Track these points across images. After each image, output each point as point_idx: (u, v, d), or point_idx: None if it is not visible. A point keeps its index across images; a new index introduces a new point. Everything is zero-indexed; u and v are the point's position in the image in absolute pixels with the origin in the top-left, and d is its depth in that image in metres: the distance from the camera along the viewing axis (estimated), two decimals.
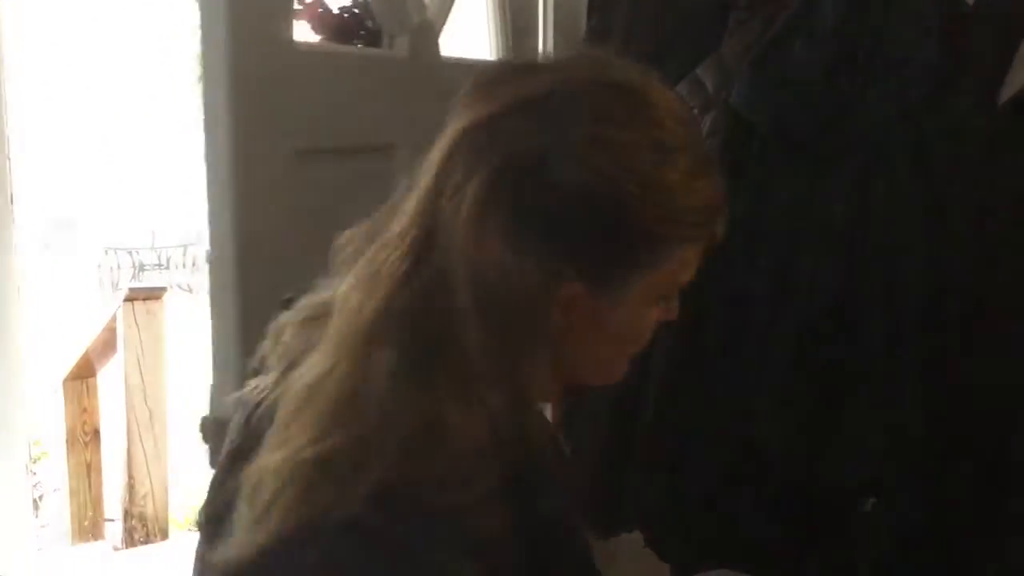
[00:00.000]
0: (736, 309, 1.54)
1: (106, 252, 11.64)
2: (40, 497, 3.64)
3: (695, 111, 1.61)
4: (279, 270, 1.30)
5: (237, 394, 0.93)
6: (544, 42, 2.26)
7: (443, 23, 1.81)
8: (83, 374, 3.69)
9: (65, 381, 3.64)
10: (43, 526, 3.50)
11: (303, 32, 1.66)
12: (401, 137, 1.53)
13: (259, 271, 1.39)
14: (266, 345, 0.91)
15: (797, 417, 1.46)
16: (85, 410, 3.64)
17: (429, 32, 1.72)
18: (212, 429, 1.32)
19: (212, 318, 1.42)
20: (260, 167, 1.38)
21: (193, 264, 11.42)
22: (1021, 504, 1.23)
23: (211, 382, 1.42)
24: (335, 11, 1.73)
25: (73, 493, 3.61)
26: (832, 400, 1.44)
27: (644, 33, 1.94)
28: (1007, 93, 1.29)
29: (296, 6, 1.60)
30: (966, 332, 1.32)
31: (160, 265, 11.95)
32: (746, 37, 1.61)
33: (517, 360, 0.79)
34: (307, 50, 1.50)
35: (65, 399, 3.62)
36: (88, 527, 3.66)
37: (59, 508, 3.67)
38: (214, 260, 1.42)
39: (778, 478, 1.48)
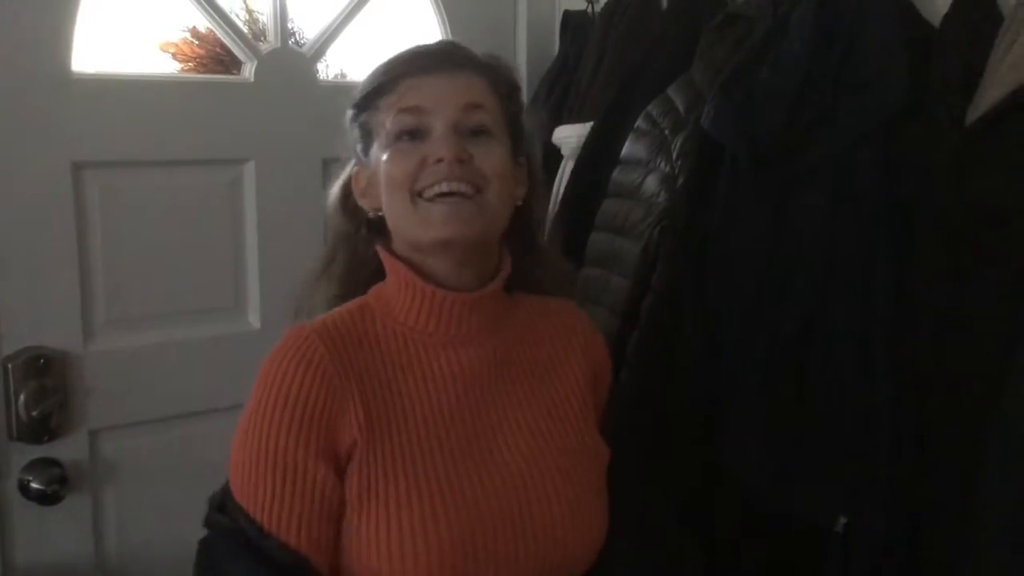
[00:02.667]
0: (708, 327, 1.54)
1: None
2: None
3: (665, 130, 1.62)
4: None
5: None
6: (517, 62, 2.27)
7: (320, 50, 2.00)
8: None
9: None
10: None
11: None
12: (241, 153, 1.86)
13: None
14: None
15: (768, 436, 1.46)
16: None
17: (285, 59, 1.91)
18: None
19: None
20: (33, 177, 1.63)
21: None
22: (992, 517, 1.23)
23: None
24: (196, 44, 2.10)
25: None
26: (803, 418, 1.44)
27: (617, 53, 1.95)
28: (974, 114, 1.30)
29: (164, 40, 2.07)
30: (937, 348, 1.32)
31: None
32: (716, 59, 1.62)
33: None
34: (80, 78, 1.69)
35: None
36: None
37: None
38: None
39: (747, 500, 1.47)
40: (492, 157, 1.09)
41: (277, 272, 1.86)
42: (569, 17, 2.19)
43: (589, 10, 2.13)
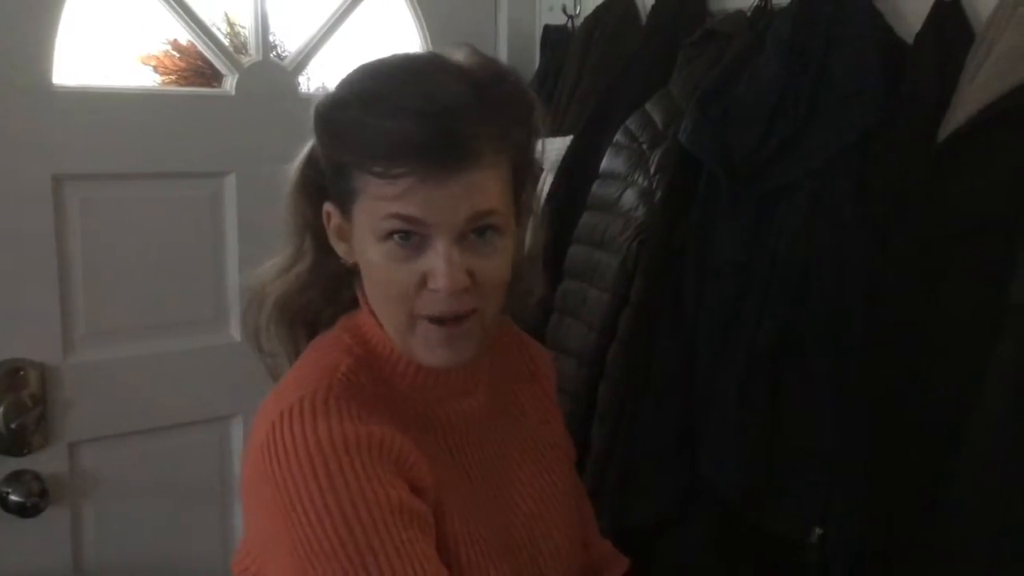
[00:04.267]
0: (685, 340, 1.56)
1: None
2: None
3: (643, 145, 1.63)
4: None
5: None
6: None
7: (302, 63, 1.99)
8: None
9: None
10: None
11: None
12: (222, 166, 1.86)
13: None
14: None
15: (743, 448, 1.47)
16: None
17: (266, 72, 1.91)
18: None
19: None
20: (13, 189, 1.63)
21: None
22: (963, 528, 1.25)
23: None
24: (177, 57, 2.07)
25: None
26: (778, 429, 1.45)
27: (596, 68, 1.97)
28: (946, 131, 1.32)
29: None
30: (911, 362, 1.34)
31: None
32: (694, 74, 1.64)
33: None
34: (61, 90, 1.69)
35: None
36: None
37: None
38: None
39: (725, 510, 1.49)
40: (494, 264, 0.97)
41: None
42: (549, 32, 2.21)
43: (569, 25, 2.15)
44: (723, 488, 1.48)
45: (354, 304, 1.07)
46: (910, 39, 1.45)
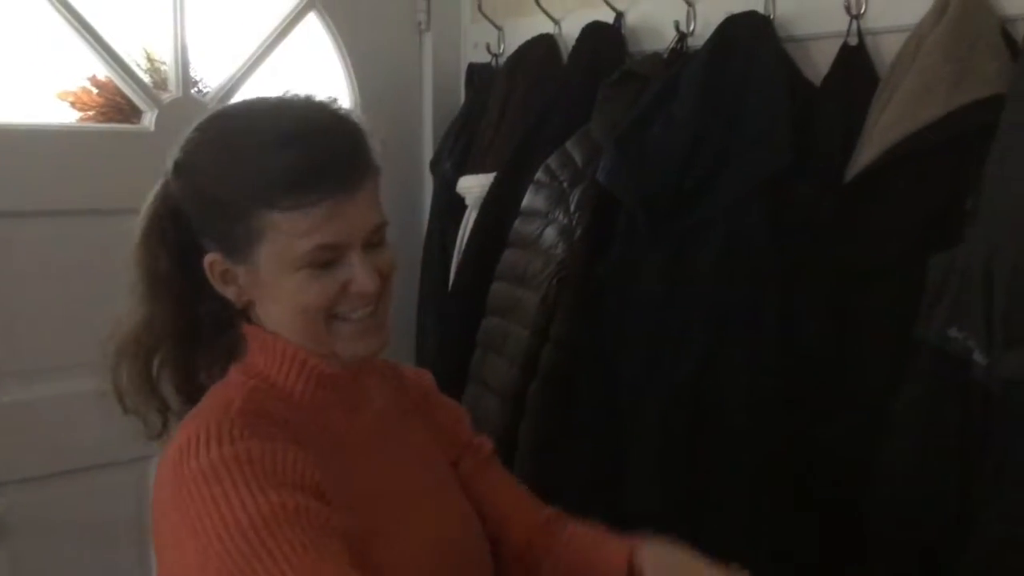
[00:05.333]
0: (606, 376, 1.57)
1: None
2: None
3: (564, 183, 1.65)
4: None
5: None
6: (423, 113, 2.30)
7: (224, 99, 1.98)
8: None
9: None
10: None
11: None
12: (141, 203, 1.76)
13: None
14: None
15: (668, 482, 1.49)
16: None
17: (187, 108, 1.90)
18: None
19: None
20: None
21: None
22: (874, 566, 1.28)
23: None
24: (95, 93, 2.05)
25: None
26: (698, 462, 1.47)
27: (519, 106, 1.99)
28: (852, 171, 1.36)
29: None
30: (823, 396, 1.37)
31: None
32: (613, 114, 1.67)
33: None
34: None
35: None
36: None
37: None
38: None
39: None
40: (388, 258, 1.04)
41: None
42: (474, 69, 2.23)
43: (493, 63, 2.17)
44: (646, 520, 1.49)
45: (225, 347, 1.07)
46: (818, 81, 1.49)
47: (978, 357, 1.17)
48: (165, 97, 1.89)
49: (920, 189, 1.30)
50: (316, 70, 2.19)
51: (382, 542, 1.00)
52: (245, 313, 1.06)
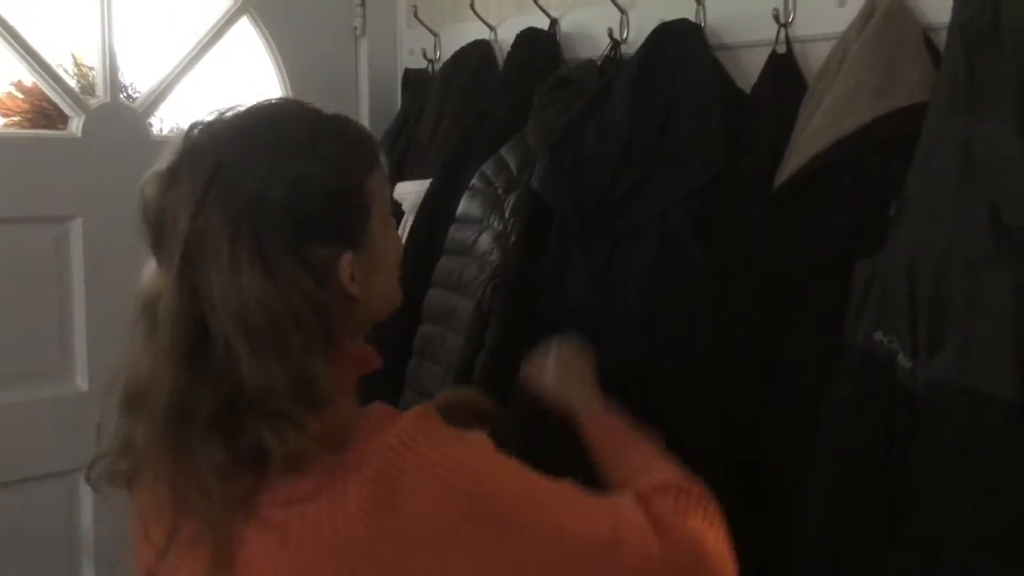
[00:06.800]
0: None
1: None
2: None
3: (499, 189, 1.65)
4: None
5: None
6: (359, 117, 2.28)
7: (154, 104, 1.97)
8: None
9: None
10: None
11: None
12: (68, 210, 1.82)
13: None
14: None
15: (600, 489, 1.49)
16: None
17: (115, 113, 1.88)
18: None
19: None
20: None
21: None
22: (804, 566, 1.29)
23: None
24: (21, 98, 2.02)
25: None
26: None
27: (455, 112, 1.98)
28: (781, 177, 1.37)
29: None
30: (754, 396, 1.38)
31: None
32: (547, 120, 1.67)
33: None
34: None
35: None
36: None
37: None
38: None
39: None
40: None
41: (107, 332, 1.79)
42: (410, 75, 2.22)
43: (429, 68, 2.17)
44: None
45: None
46: (749, 89, 1.51)
47: (903, 361, 1.19)
48: (93, 103, 1.85)
49: (847, 196, 1.32)
50: (249, 75, 2.17)
51: None
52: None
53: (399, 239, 1.09)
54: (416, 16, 2.19)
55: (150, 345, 0.90)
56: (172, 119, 2.06)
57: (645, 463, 1.12)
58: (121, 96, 1.91)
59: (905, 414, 1.19)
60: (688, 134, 1.46)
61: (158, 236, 0.91)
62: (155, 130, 1.99)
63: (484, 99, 1.91)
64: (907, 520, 1.17)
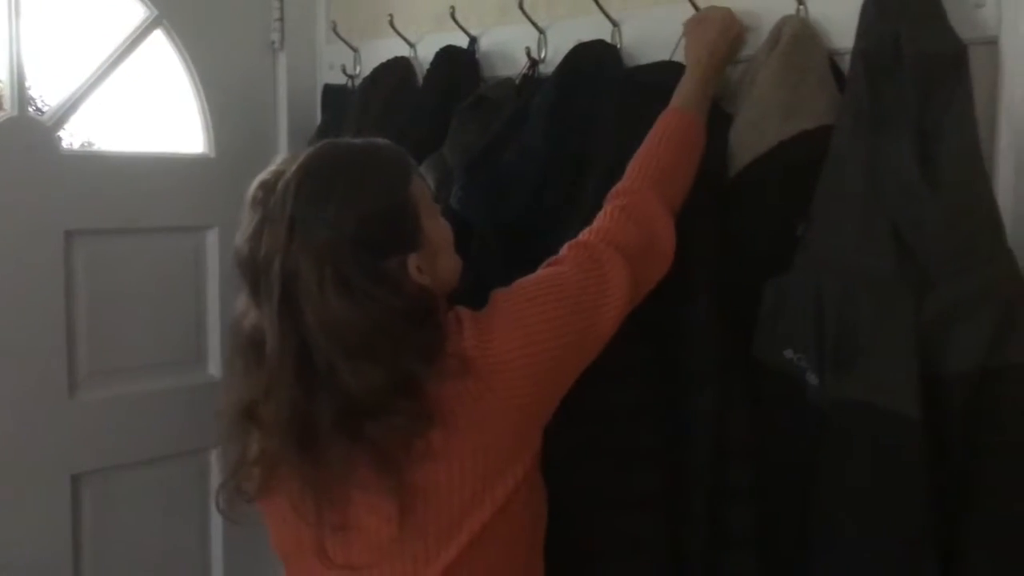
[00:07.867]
0: None
1: None
2: None
3: None
4: None
5: None
6: (278, 133, 2.26)
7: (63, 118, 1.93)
8: None
9: None
10: None
11: None
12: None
13: None
14: None
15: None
16: None
17: (22, 126, 1.84)
18: None
19: None
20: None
21: None
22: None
23: None
24: None
25: None
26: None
27: (373, 128, 1.97)
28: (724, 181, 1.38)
29: None
30: (682, 412, 1.40)
31: None
32: (466, 139, 1.67)
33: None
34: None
35: None
36: None
37: None
38: None
39: None
40: None
41: None
42: (329, 91, 2.21)
43: (349, 84, 2.16)
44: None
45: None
46: None
47: (811, 378, 1.22)
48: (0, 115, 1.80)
49: (758, 216, 1.34)
50: (164, 89, 2.13)
51: None
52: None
53: (445, 222, 1.24)
54: (335, 31, 2.18)
55: (252, 372, 1.12)
56: (83, 134, 2.02)
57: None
58: (30, 109, 1.86)
59: (815, 431, 1.22)
60: (611, 152, 1.46)
61: (255, 283, 1.11)
62: (64, 144, 1.94)
63: (403, 116, 1.90)
64: (813, 532, 1.20)
